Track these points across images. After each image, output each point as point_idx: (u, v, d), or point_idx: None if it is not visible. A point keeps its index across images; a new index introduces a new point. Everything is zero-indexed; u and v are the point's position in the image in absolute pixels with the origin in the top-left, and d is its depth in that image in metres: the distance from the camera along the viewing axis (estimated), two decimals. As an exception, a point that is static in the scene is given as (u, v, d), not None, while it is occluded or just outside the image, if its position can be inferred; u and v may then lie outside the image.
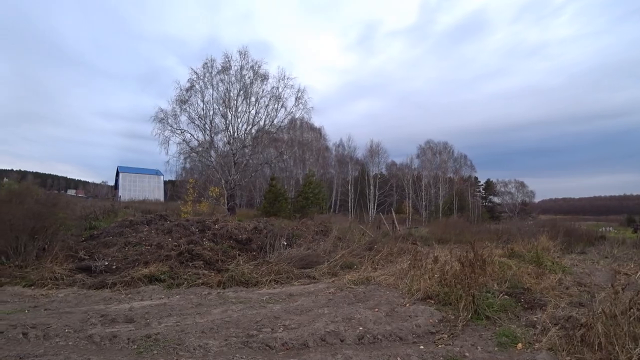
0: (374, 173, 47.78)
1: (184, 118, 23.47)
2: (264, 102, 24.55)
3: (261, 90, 24.46)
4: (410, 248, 10.19)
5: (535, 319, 4.38)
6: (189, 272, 6.72)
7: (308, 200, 26.18)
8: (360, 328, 4.03)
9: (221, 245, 8.66)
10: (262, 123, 24.78)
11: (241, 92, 24.06)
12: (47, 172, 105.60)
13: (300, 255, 8.30)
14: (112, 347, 3.51)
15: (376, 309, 4.80)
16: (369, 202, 45.55)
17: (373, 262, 8.21)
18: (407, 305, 5.01)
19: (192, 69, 23.44)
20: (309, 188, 27.07)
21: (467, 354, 3.43)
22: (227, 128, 24.17)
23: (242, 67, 23.93)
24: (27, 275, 6.37)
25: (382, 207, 44.12)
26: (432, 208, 48.23)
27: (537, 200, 63.23)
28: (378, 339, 3.79)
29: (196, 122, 23.64)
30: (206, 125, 23.83)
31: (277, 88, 24.54)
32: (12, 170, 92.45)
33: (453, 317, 4.42)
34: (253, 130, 24.81)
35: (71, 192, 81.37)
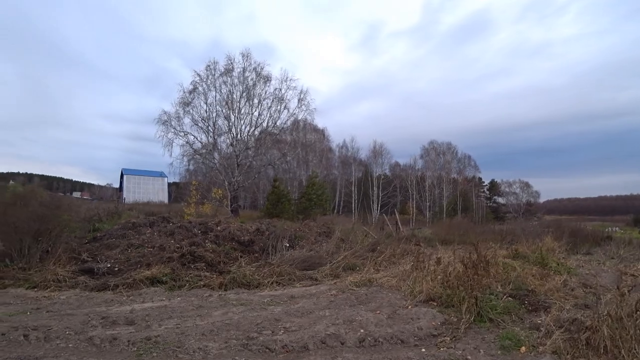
0: (377, 174, 47.71)
1: (187, 120, 23.63)
2: (267, 103, 24.64)
3: (264, 91, 24.56)
4: (414, 249, 10.13)
5: (540, 321, 4.31)
6: (190, 274, 6.72)
7: (311, 202, 26.11)
8: (362, 331, 3.99)
9: (223, 247, 8.67)
10: (265, 125, 24.85)
11: (244, 94, 24.14)
12: (53, 175, 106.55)
13: (303, 256, 8.28)
14: (112, 349, 3.50)
15: (378, 311, 4.76)
16: (373, 203, 45.46)
17: (376, 263, 8.16)
18: (409, 307, 4.96)
19: (195, 72, 23.59)
20: (312, 189, 27.01)
21: (469, 357, 3.38)
22: (230, 130, 24.27)
23: (244, 69, 24.03)
24: (31, 277, 6.40)
25: (386, 208, 43.99)
26: (436, 209, 47.99)
27: (542, 200, 62.89)
28: (379, 341, 3.75)
29: (199, 124, 23.78)
30: (209, 127, 23.95)
31: (280, 90, 24.62)
32: (18, 172, 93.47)
33: (456, 320, 4.36)
34: (256, 132, 24.88)
35: (77, 194, 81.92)
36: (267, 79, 24.46)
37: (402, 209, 47.09)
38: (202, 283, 6.38)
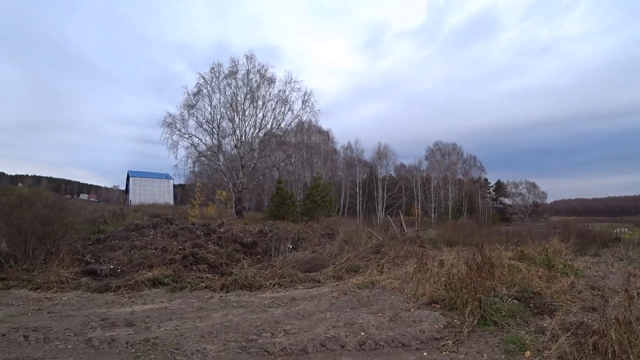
0: (382, 175, 47.53)
1: (192, 122, 23.72)
2: (271, 105, 24.66)
3: (268, 93, 24.59)
4: (418, 251, 10.03)
5: (545, 325, 4.21)
6: (192, 275, 6.71)
7: (316, 204, 26.07)
8: (362, 333, 3.93)
9: (226, 249, 8.65)
10: (269, 126, 24.87)
11: (248, 96, 24.19)
12: (61, 177, 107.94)
13: (306, 258, 8.23)
14: (111, 350, 3.49)
15: (379, 314, 4.69)
16: (377, 204, 45.26)
17: (379, 265, 8.09)
18: (412, 310, 4.88)
19: (200, 74, 23.69)
20: (316, 191, 26.95)
21: (472, 362, 3.30)
22: (234, 132, 24.33)
23: (248, 71, 24.09)
24: (34, 278, 6.44)
25: (391, 210, 43.77)
26: (442, 210, 47.61)
27: (549, 201, 62.11)
28: (380, 345, 3.68)
29: (204, 126, 23.86)
30: (214, 129, 24.03)
31: (284, 91, 24.63)
32: (27, 175, 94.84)
33: (459, 323, 4.28)
34: (260, 134, 24.90)
35: (84, 196, 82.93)
36: (271, 81, 24.53)
37: (407, 211, 46.84)
38: (203, 285, 6.36)
